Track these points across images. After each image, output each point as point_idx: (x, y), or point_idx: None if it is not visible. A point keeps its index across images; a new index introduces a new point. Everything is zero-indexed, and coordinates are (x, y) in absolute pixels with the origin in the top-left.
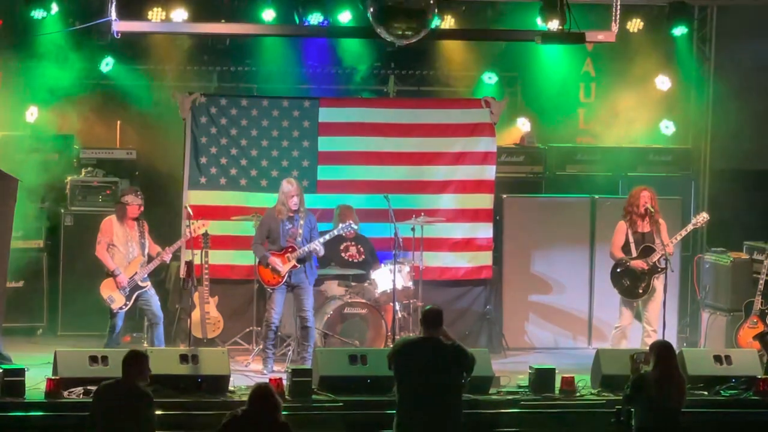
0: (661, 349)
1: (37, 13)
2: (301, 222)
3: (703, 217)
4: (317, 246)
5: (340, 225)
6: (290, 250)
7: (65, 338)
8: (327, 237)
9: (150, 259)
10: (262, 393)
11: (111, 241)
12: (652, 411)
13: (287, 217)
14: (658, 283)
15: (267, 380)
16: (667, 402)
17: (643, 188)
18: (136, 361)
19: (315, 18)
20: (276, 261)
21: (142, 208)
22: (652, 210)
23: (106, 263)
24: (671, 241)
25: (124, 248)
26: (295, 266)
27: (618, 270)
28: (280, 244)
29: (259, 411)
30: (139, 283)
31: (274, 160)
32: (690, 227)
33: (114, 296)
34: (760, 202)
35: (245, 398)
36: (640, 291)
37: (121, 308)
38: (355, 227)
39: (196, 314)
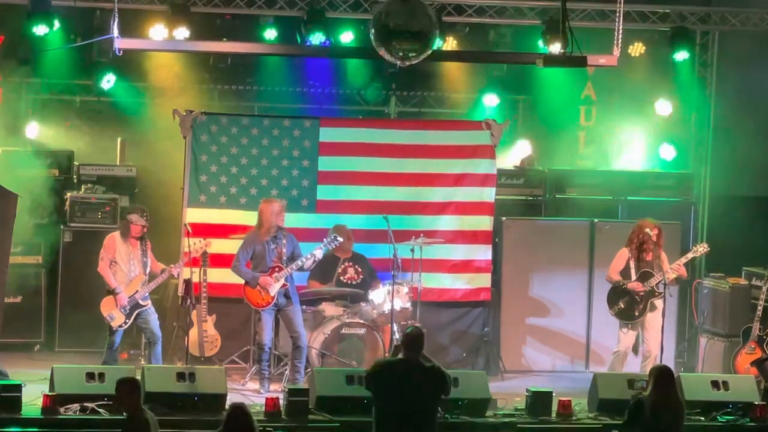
0: (660, 373)
1: (39, 30)
2: (284, 241)
3: (704, 247)
4: (317, 253)
5: (325, 239)
6: (277, 269)
7: (62, 354)
8: (316, 253)
9: (152, 277)
10: (235, 414)
11: (114, 258)
12: None
13: (272, 237)
14: (658, 308)
15: (264, 399)
16: (664, 427)
17: (653, 225)
18: (138, 385)
19: (317, 38)
20: (267, 281)
21: (146, 230)
22: (656, 246)
23: (107, 281)
24: (670, 269)
25: (126, 266)
26: (284, 285)
27: (615, 292)
28: (266, 264)
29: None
30: (140, 302)
31: (274, 179)
32: (690, 255)
33: (114, 314)
34: (759, 227)
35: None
36: (636, 314)
37: (120, 326)
38: (341, 239)
39: (193, 332)
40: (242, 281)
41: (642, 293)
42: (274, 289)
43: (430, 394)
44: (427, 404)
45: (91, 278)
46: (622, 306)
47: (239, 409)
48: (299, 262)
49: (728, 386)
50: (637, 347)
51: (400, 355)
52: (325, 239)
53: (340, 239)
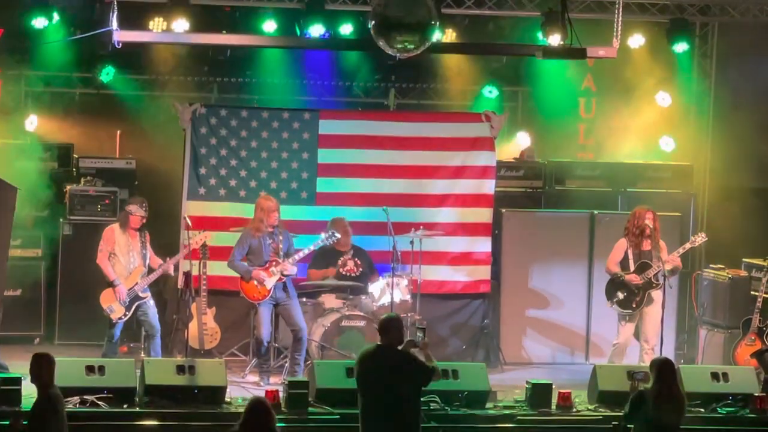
0: (662, 366)
1: (38, 22)
2: (280, 237)
3: (702, 237)
4: (294, 261)
5: (323, 235)
6: (274, 263)
7: (62, 347)
8: (312, 247)
9: (151, 270)
10: (257, 407)
11: (113, 250)
12: (650, 428)
13: (267, 232)
14: (656, 300)
15: (264, 392)
16: (666, 419)
17: (646, 209)
18: (54, 360)
19: (316, 30)
20: (261, 274)
21: (145, 221)
22: (654, 231)
23: (106, 273)
24: (669, 258)
25: (125, 258)
26: (281, 279)
27: (612, 283)
28: (263, 259)
29: (255, 425)
30: (140, 294)
31: (274, 172)
32: (688, 245)
33: (114, 306)
34: (759, 219)
35: (241, 409)
36: (634, 305)
37: (120, 318)
38: (338, 236)
39: (193, 325)
40: None
41: (639, 285)
42: (271, 282)
43: (403, 381)
44: (401, 392)
45: (91, 271)
46: (620, 297)
47: (260, 404)
48: (290, 260)
49: (728, 378)
50: (637, 338)
51: (378, 342)
52: (323, 234)
53: (338, 236)
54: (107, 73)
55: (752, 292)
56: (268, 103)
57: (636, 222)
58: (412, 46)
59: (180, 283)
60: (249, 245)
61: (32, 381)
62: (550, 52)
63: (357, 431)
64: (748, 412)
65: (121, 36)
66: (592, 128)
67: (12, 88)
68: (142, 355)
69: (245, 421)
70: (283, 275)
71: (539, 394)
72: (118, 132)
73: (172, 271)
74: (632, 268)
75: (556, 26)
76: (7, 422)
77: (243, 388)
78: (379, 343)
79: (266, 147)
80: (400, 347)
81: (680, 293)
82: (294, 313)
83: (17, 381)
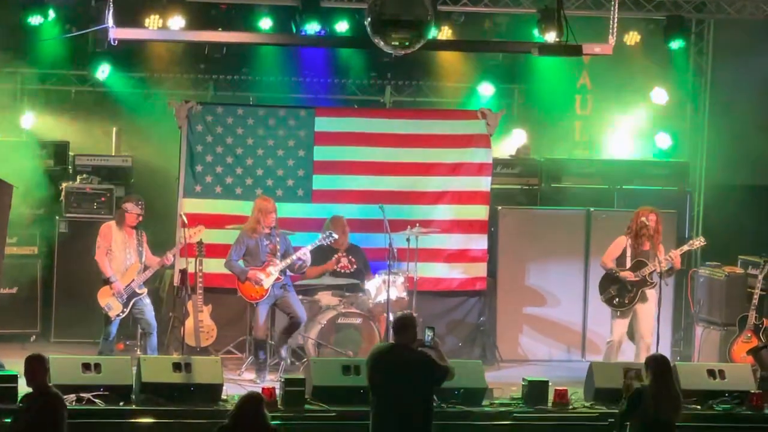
0: (658, 363)
1: (34, 19)
2: (277, 238)
3: (700, 241)
4: (306, 254)
5: (320, 235)
6: (271, 264)
7: (58, 345)
8: (310, 247)
9: (147, 268)
10: (249, 402)
11: (110, 246)
12: (648, 426)
13: (264, 234)
14: (650, 298)
15: (260, 389)
16: (664, 417)
17: (650, 211)
18: (48, 361)
19: (312, 27)
20: (257, 275)
21: (141, 218)
22: (655, 233)
23: (103, 269)
24: (665, 259)
25: (121, 254)
26: (278, 278)
27: (607, 279)
28: (260, 260)
29: (246, 420)
30: (137, 290)
31: (270, 169)
32: (686, 248)
33: (111, 304)
34: (755, 216)
35: None
36: (627, 302)
37: (118, 315)
38: (336, 237)
39: (189, 322)
40: None
41: (634, 282)
42: (268, 282)
43: (416, 381)
44: (418, 390)
45: (87, 268)
46: (613, 293)
47: (253, 398)
48: (288, 261)
49: (724, 375)
50: (632, 335)
51: (391, 341)
52: (320, 234)
53: (335, 236)
54: (103, 71)
55: (748, 289)
56: (264, 100)
57: (641, 224)
58: (408, 44)
59: (176, 281)
60: (246, 246)
61: (28, 384)
62: (546, 49)
63: (353, 428)
64: (744, 409)
65: (116, 33)
66: (587, 125)
67: (7, 86)
68: (139, 352)
69: (233, 416)
70: (292, 269)
71: (535, 391)
72: (114, 129)
73: (169, 262)
74: (628, 264)
75: (552, 23)
76: (5, 419)
77: (239, 385)
78: (392, 341)
79: (262, 144)
80: (391, 340)
81: (676, 290)
82: (293, 304)
83: (14, 378)
